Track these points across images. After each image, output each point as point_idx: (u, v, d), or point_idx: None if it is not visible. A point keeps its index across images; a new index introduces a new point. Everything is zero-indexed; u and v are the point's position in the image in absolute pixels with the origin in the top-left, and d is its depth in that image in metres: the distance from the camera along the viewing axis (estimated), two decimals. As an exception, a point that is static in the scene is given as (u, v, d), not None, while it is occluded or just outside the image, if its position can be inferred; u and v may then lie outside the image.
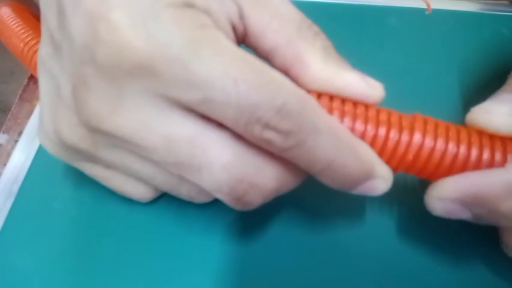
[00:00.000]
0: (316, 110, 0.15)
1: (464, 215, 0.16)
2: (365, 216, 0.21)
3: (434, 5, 0.30)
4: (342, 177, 0.16)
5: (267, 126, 0.14)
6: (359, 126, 0.16)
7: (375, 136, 0.16)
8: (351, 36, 0.28)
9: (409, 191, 0.21)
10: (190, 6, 0.14)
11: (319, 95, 0.16)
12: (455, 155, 0.16)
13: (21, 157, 0.23)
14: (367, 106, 0.17)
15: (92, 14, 0.14)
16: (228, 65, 0.14)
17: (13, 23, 0.26)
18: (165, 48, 0.13)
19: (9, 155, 0.24)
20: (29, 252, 0.20)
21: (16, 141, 0.25)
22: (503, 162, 0.16)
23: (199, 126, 0.15)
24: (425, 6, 0.30)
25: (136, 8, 0.14)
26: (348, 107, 0.16)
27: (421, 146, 0.16)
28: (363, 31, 0.29)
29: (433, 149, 0.16)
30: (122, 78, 0.14)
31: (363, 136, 0.16)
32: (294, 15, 0.17)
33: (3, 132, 0.25)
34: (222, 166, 0.15)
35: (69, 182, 0.22)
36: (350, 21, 0.29)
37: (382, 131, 0.16)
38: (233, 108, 0.14)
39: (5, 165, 0.23)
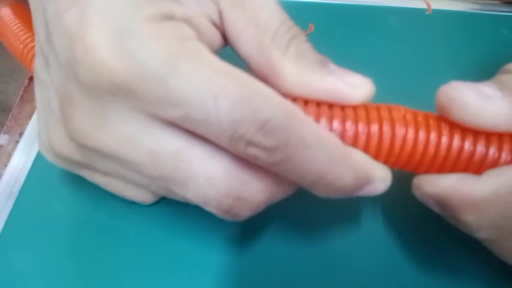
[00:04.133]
0: (303, 122, 0.14)
1: (436, 210, 0.17)
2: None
3: (434, 5, 0.30)
4: (336, 188, 0.15)
5: (250, 142, 0.14)
6: (349, 129, 0.15)
7: (368, 137, 0.16)
8: (351, 36, 0.28)
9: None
10: (169, 18, 0.14)
11: (306, 102, 0.16)
12: (449, 148, 0.16)
13: (21, 158, 0.23)
14: (355, 107, 0.16)
15: (70, 33, 0.14)
16: (207, 80, 0.13)
17: (13, 24, 0.26)
18: (142, 66, 0.13)
19: (10, 155, 0.24)
20: (29, 253, 0.20)
21: (17, 142, 0.25)
22: (497, 158, 0.16)
23: (184, 141, 0.15)
24: (425, 6, 0.30)
25: (114, 24, 0.13)
26: (336, 111, 0.16)
27: (415, 141, 0.16)
28: (363, 31, 0.29)
29: (427, 142, 0.16)
30: (103, 96, 0.14)
31: (355, 139, 0.16)
32: (273, 19, 0.16)
33: (4, 133, 0.25)
34: (207, 181, 0.15)
35: (69, 183, 0.22)
36: (350, 21, 0.29)
37: (374, 129, 0.16)
38: (214, 125, 0.13)
39: (5, 166, 0.23)
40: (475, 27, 0.29)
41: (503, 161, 0.16)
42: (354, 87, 0.15)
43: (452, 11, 0.30)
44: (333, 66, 0.16)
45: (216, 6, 0.16)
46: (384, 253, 0.20)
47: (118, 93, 0.14)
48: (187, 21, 0.15)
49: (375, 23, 0.29)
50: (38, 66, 0.17)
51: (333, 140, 0.15)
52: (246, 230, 0.20)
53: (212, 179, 0.15)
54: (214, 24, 0.16)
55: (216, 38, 0.16)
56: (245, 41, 0.16)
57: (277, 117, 0.14)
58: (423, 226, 0.20)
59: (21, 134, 0.25)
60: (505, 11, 0.30)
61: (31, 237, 0.20)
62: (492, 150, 0.16)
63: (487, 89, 0.16)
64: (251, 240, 0.20)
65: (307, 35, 0.29)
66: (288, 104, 0.14)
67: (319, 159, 0.14)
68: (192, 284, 0.19)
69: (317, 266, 0.20)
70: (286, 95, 0.15)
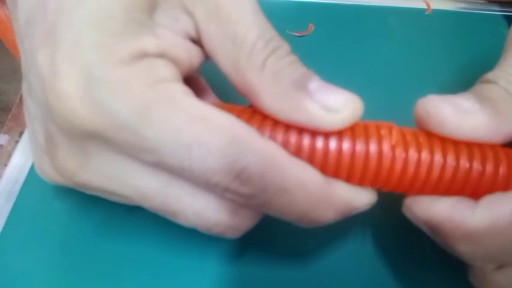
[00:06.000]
0: (283, 167, 0.14)
1: (427, 233, 0.16)
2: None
3: (434, 5, 0.30)
4: (318, 223, 0.15)
5: (227, 189, 0.13)
6: (332, 157, 0.15)
7: (352, 167, 0.15)
8: (351, 36, 0.28)
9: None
10: (143, 56, 0.13)
11: (287, 126, 0.15)
12: (442, 169, 0.15)
13: (21, 158, 0.23)
14: (340, 132, 0.15)
15: (43, 78, 0.13)
16: (181, 129, 0.13)
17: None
18: (112, 116, 0.13)
19: (10, 155, 0.24)
20: (29, 252, 0.20)
21: (17, 141, 0.25)
22: (481, 173, 0.15)
23: (168, 178, 0.14)
24: (425, 6, 0.30)
25: (82, 72, 0.13)
26: (319, 136, 0.15)
27: (405, 161, 0.15)
28: (363, 31, 0.29)
29: (418, 163, 0.15)
30: (82, 139, 0.14)
31: (337, 166, 0.15)
32: (250, 32, 0.14)
33: (4, 133, 0.25)
34: (196, 213, 0.15)
35: (69, 182, 0.22)
36: (350, 21, 0.29)
37: (359, 151, 0.15)
38: (188, 172, 0.13)
39: (5, 165, 0.23)
40: (474, 27, 0.29)
41: (501, 177, 0.15)
42: (332, 112, 0.14)
43: (451, 10, 0.30)
44: (313, 85, 0.14)
45: (192, 20, 0.15)
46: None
47: (94, 138, 0.14)
48: (162, 54, 0.14)
49: (374, 22, 0.29)
50: (24, 90, 0.17)
51: (314, 180, 0.14)
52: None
53: (200, 211, 0.15)
54: (194, 40, 0.16)
55: (198, 54, 0.16)
56: (222, 58, 0.15)
57: (254, 165, 0.13)
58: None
59: (21, 134, 0.25)
60: (504, 11, 0.30)
61: (31, 237, 0.20)
62: (489, 168, 0.15)
63: (465, 102, 0.15)
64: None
65: (306, 35, 0.29)
66: (266, 147, 0.14)
67: (299, 202, 0.14)
68: (193, 280, 0.19)
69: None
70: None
